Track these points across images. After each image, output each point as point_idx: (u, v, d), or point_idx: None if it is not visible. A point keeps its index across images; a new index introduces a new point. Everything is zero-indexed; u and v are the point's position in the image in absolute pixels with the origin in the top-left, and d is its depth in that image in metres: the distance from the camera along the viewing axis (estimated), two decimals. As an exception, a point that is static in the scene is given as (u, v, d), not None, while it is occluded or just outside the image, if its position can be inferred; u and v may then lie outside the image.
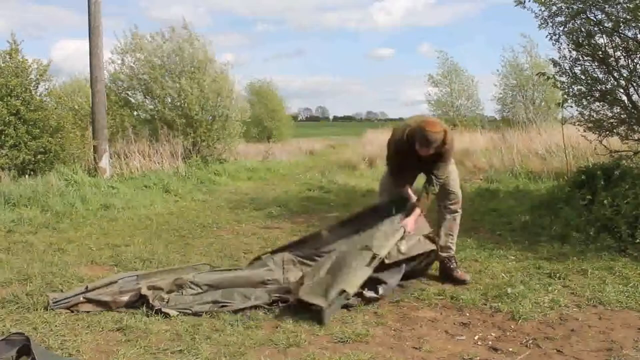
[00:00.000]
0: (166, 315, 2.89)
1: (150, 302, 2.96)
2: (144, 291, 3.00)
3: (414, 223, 3.49)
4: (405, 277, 3.41)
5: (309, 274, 3.30)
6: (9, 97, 7.86)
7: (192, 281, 3.20)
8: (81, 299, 3.02)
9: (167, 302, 3.02)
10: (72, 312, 2.96)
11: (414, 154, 3.45)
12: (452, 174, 3.77)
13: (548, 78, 6.07)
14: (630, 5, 4.97)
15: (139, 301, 3.02)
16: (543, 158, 9.18)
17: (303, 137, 30.23)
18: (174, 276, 3.28)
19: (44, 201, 6.35)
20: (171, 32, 12.00)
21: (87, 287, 3.14)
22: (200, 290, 3.16)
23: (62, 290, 3.29)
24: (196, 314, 2.91)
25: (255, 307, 3.01)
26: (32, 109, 8.15)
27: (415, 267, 3.50)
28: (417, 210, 3.53)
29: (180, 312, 2.92)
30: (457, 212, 3.83)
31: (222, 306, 2.98)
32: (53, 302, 3.01)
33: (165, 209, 6.94)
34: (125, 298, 3.05)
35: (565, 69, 5.82)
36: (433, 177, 3.54)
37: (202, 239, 5.13)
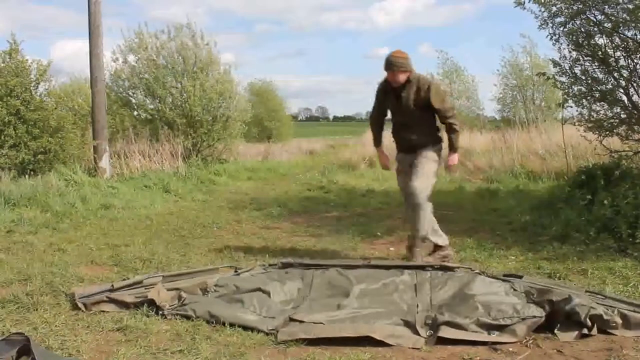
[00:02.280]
0: (164, 315, 2.88)
1: (158, 304, 2.93)
2: (152, 295, 2.96)
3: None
4: None
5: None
6: (8, 97, 7.86)
7: (217, 284, 3.17)
8: (104, 298, 3.02)
9: (184, 301, 2.99)
10: (90, 310, 2.96)
11: (395, 95, 3.86)
12: (429, 164, 3.90)
13: (548, 78, 6.08)
14: (630, 6, 4.97)
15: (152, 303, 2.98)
16: (543, 158, 9.19)
17: (303, 137, 30.25)
18: (199, 279, 3.24)
19: (44, 201, 6.35)
20: (176, 31, 11.97)
21: (112, 286, 3.14)
22: (225, 292, 3.12)
23: (62, 291, 3.29)
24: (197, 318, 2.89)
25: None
26: (32, 109, 8.15)
27: None
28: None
29: (178, 314, 2.90)
30: (421, 204, 3.83)
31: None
32: (78, 297, 3.03)
33: (165, 209, 6.94)
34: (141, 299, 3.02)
35: (565, 69, 5.83)
36: (439, 114, 3.86)
37: (202, 239, 5.13)
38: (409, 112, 3.86)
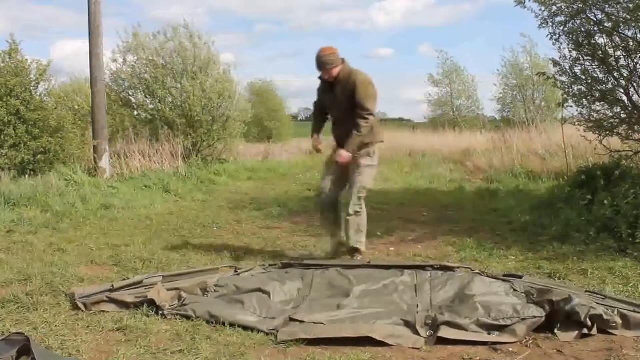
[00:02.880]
0: (164, 315, 2.88)
1: (158, 304, 2.93)
2: (152, 295, 2.96)
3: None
4: None
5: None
6: (8, 97, 7.87)
7: (217, 284, 3.18)
8: (104, 298, 3.02)
9: (184, 301, 2.99)
10: (90, 310, 2.96)
11: (331, 90, 3.90)
12: (361, 175, 3.91)
13: (548, 78, 6.09)
14: (630, 6, 4.97)
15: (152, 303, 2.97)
16: (543, 158, 9.20)
17: (303, 137, 30.17)
18: (199, 279, 3.24)
19: (44, 201, 6.34)
20: (174, 32, 11.96)
21: (112, 286, 3.14)
22: (225, 292, 3.12)
23: (62, 291, 3.29)
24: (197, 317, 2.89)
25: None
26: (32, 109, 8.16)
27: None
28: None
29: (178, 314, 2.90)
30: (348, 212, 3.96)
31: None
32: (78, 297, 3.03)
33: (165, 209, 6.93)
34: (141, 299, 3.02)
35: (566, 68, 5.84)
36: (357, 110, 3.78)
37: (202, 239, 5.13)
38: (342, 107, 3.88)
